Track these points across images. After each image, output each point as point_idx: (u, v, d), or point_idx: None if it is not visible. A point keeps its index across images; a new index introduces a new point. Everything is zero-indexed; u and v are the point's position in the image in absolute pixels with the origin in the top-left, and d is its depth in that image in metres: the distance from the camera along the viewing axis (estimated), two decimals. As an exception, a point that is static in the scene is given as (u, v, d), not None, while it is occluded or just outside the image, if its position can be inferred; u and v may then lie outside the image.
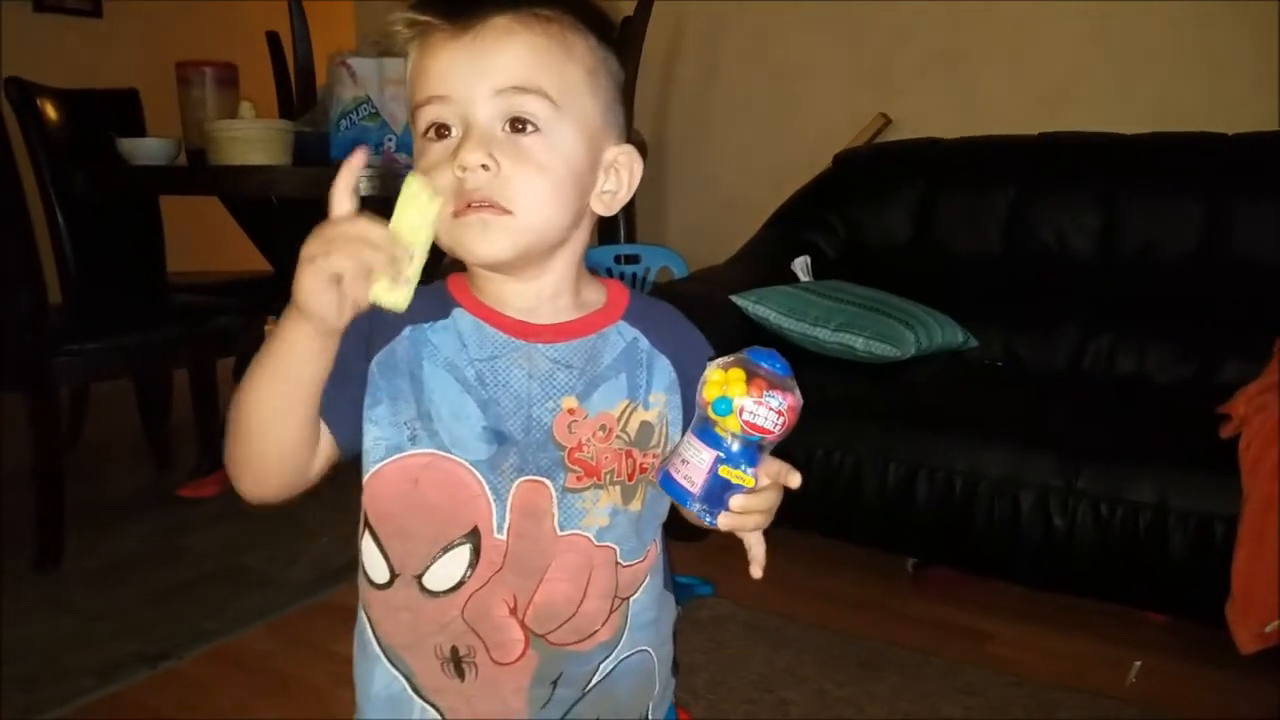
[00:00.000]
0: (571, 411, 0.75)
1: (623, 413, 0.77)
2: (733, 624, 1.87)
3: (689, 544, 1.78)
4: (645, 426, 0.78)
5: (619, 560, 0.79)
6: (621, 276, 2.94)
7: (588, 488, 0.76)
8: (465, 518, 0.75)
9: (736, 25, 3.19)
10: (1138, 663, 1.75)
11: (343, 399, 0.74)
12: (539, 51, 0.71)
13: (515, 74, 0.70)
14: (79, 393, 2.92)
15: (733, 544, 0.77)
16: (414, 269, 0.67)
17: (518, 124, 0.71)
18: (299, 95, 3.18)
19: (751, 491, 0.71)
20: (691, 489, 0.70)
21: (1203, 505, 1.67)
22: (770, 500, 0.73)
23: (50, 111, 2.64)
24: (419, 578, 0.76)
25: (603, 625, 0.80)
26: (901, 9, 2.89)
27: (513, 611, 0.77)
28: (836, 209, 2.64)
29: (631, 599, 0.82)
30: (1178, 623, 1.86)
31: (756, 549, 0.77)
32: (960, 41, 2.83)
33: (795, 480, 0.74)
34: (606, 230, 2.99)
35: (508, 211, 0.71)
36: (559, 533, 0.76)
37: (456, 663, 0.77)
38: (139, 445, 2.86)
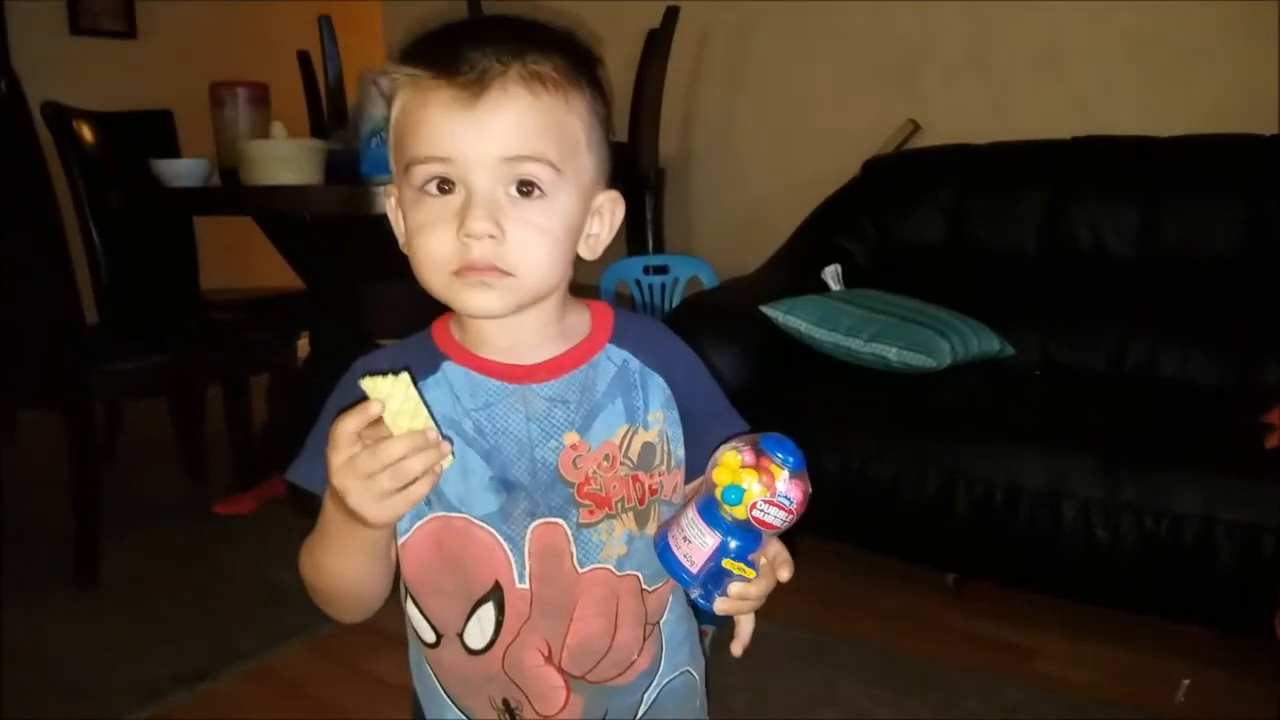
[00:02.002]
0: (574, 446, 0.75)
1: (623, 438, 0.76)
2: (769, 641, 1.83)
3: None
4: (647, 447, 0.77)
5: (644, 587, 0.79)
6: (651, 287, 2.93)
7: (601, 520, 0.76)
8: (485, 573, 0.75)
9: (762, 33, 3.17)
10: (1186, 681, 1.70)
11: None
12: (544, 117, 0.70)
13: (521, 142, 0.69)
14: (114, 407, 2.96)
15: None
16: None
17: (523, 187, 0.70)
18: (330, 114, 3.20)
19: (750, 581, 0.71)
20: (690, 569, 0.70)
21: (1250, 516, 1.63)
22: (766, 587, 0.72)
23: (86, 133, 2.67)
24: (460, 636, 0.77)
25: (639, 654, 0.80)
26: (930, 14, 2.86)
27: (548, 659, 0.77)
28: (868, 216, 2.61)
29: (662, 622, 0.83)
30: (1226, 636, 1.81)
31: (745, 628, 0.77)
32: (990, 46, 2.79)
33: (785, 574, 0.73)
34: (635, 240, 2.99)
35: (509, 274, 0.70)
36: (579, 570, 0.76)
37: (510, 713, 0.78)
38: (172, 459, 2.88)
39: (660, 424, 0.78)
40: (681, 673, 0.85)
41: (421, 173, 0.70)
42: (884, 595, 2.07)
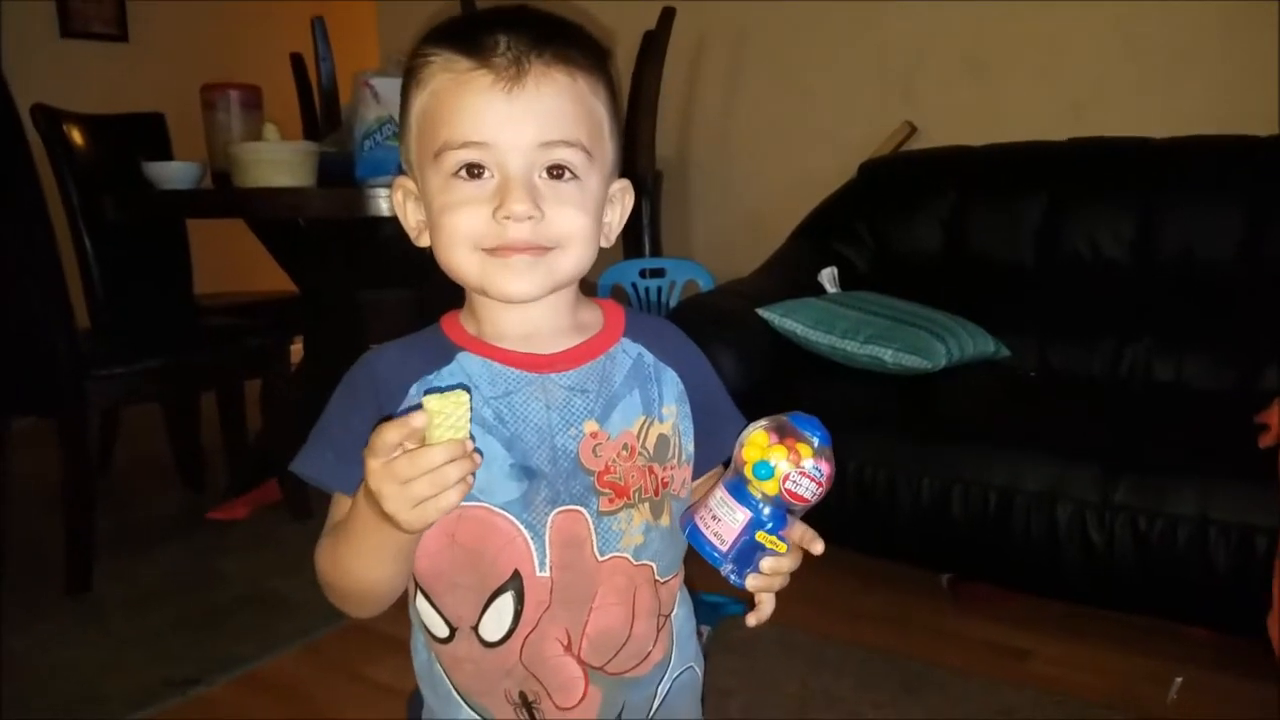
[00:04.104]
0: (594, 435, 0.75)
1: (641, 429, 0.77)
2: (766, 644, 1.85)
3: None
4: (662, 440, 0.79)
5: (657, 577, 0.80)
6: (648, 291, 2.93)
7: (620, 509, 0.76)
8: (505, 563, 0.75)
9: (760, 36, 3.18)
10: (1178, 679, 1.71)
11: None
12: (578, 102, 0.72)
13: (558, 127, 0.71)
14: (109, 416, 2.94)
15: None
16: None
17: (555, 170, 0.71)
18: (323, 116, 3.20)
19: (781, 555, 0.72)
20: (721, 547, 0.71)
21: (1244, 517, 1.63)
22: (795, 562, 0.74)
23: (77, 137, 2.66)
24: (475, 629, 0.77)
25: (654, 645, 0.81)
26: (926, 18, 2.86)
27: (567, 648, 0.77)
28: (864, 219, 2.62)
29: (672, 615, 0.84)
30: (1221, 637, 1.82)
31: (767, 608, 0.78)
32: (986, 49, 2.80)
33: (818, 548, 0.75)
34: (631, 244, 2.99)
35: (549, 249, 0.72)
36: (599, 558, 0.76)
37: (528, 707, 0.78)
38: (168, 468, 2.87)
39: (674, 418, 0.80)
40: (687, 668, 0.86)
41: (455, 158, 0.70)
42: (879, 598, 2.07)
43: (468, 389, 0.66)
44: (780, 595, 0.77)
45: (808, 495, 0.70)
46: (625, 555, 0.77)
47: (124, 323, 2.63)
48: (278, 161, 2.26)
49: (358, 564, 0.73)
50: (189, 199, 2.48)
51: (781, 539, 0.72)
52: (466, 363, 0.76)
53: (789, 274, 2.48)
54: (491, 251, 0.71)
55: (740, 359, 2.09)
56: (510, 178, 0.70)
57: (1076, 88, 2.68)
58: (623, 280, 2.93)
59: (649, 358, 0.80)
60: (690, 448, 0.81)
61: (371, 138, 2.27)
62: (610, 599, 0.77)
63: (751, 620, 0.78)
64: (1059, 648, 1.85)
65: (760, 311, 2.20)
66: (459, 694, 0.80)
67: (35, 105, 2.56)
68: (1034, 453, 1.82)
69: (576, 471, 0.75)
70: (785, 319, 2.19)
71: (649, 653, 0.81)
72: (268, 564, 2.27)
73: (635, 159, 2.87)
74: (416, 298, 2.35)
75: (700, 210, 3.36)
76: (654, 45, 2.89)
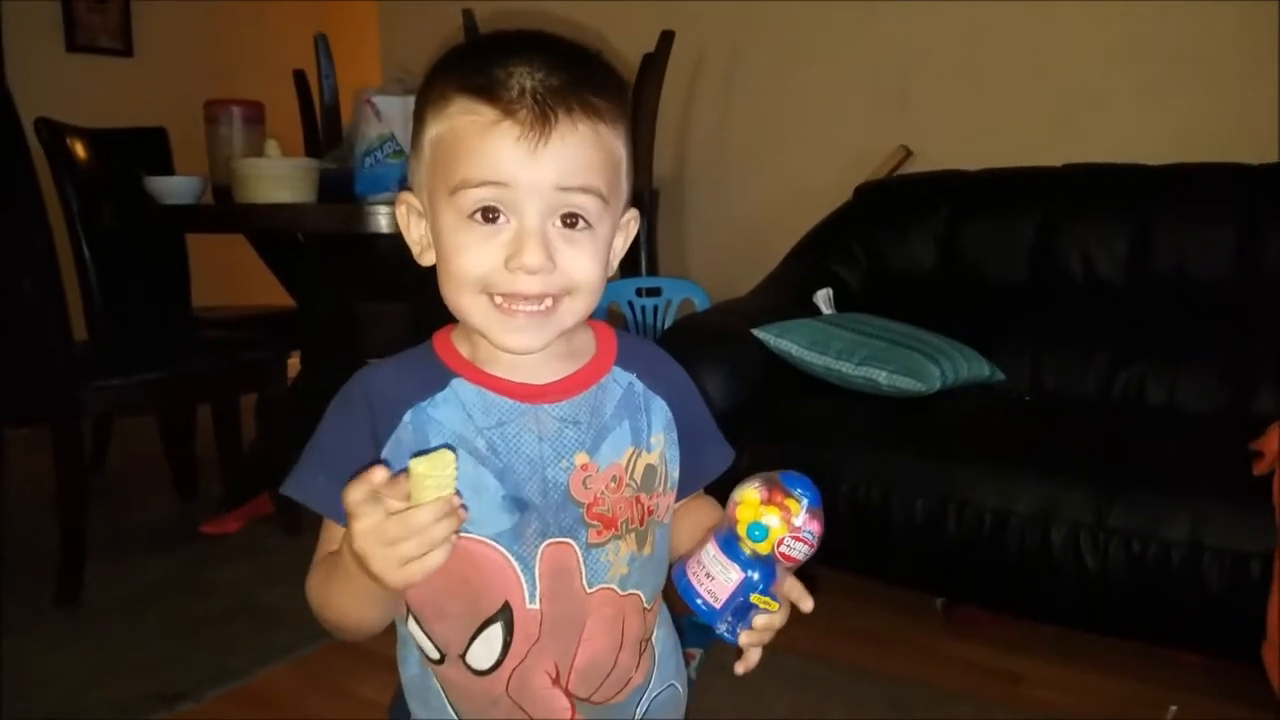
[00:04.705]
0: (585, 467, 0.75)
1: (629, 460, 0.77)
2: (758, 665, 1.84)
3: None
4: (650, 470, 0.78)
5: (644, 605, 0.80)
6: (644, 310, 2.94)
7: (608, 540, 0.76)
8: (495, 594, 0.75)
9: (756, 57, 3.19)
10: (1173, 707, 1.70)
11: None
12: (601, 150, 0.71)
13: (579, 175, 0.70)
14: (103, 423, 2.94)
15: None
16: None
17: (569, 219, 0.71)
18: (325, 133, 3.21)
19: (773, 613, 0.75)
20: (715, 604, 0.73)
21: (1238, 543, 1.63)
22: (785, 617, 0.76)
23: (80, 150, 2.68)
24: (463, 657, 0.77)
25: (636, 670, 0.81)
26: (921, 25, 2.87)
27: (555, 680, 0.77)
28: (860, 241, 2.63)
29: (654, 637, 0.84)
30: (1214, 663, 1.81)
31: (754, 657, 0.79)
32: (982, 56, 2.80)
33: (807, 605, 0.77)
34: (628, 263, 2.99)
35: (558, 299, 0.72)
36: (588, 590, 0.76)
37: None
38: (161, 474, 2.87)
39: (661, 446, 0.80)
40: (669, 686, 0.86)
41: (473, 197, 0.69)
42: (873, 619, 2.06)
43: (452, 448, 0.65)
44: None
45: (799, 556, 0.72)
46: (612, 586, 0.77)
47: (121, 334, 2.63)
48: (278, 177, 2.28)
49: (346, 604, 0.73)
50: (190, 213, 2.49)
51: (774, 597, 0.74)
52: (461, 390, 0.75)
53: (785, 294, 2.49)
54: (496, 301, 0.71)
55: (735, 378, 2.10)
56: (525, 228, 0.69)
57: (1074, 101, 2.68)
58: (619, 299, 2.94)
59: (639, 386, 0.80)
60: (675, 475, 0.81)
61: (372, 155, 2.29)
62: (599, 630, 0.77)
63: (740, 669, 0.79)
64: (1051, 671, 1.85)
65: (756, 332, 2.21)
66: (454, 709, 0.80)
67: (39, 119, 2.57)
68: (1028, 474, 1.82)
69: (566, 504, 0.74)
70: (781, 339, 2.19)
71: (631, 678, 0.81)
72: (259, 576, 2.27)
73: (633, 178, 2.88)
74: (413, 311, 2.36)
75: (697, 229, 3.37)
76: (653, 67, 2.91)
